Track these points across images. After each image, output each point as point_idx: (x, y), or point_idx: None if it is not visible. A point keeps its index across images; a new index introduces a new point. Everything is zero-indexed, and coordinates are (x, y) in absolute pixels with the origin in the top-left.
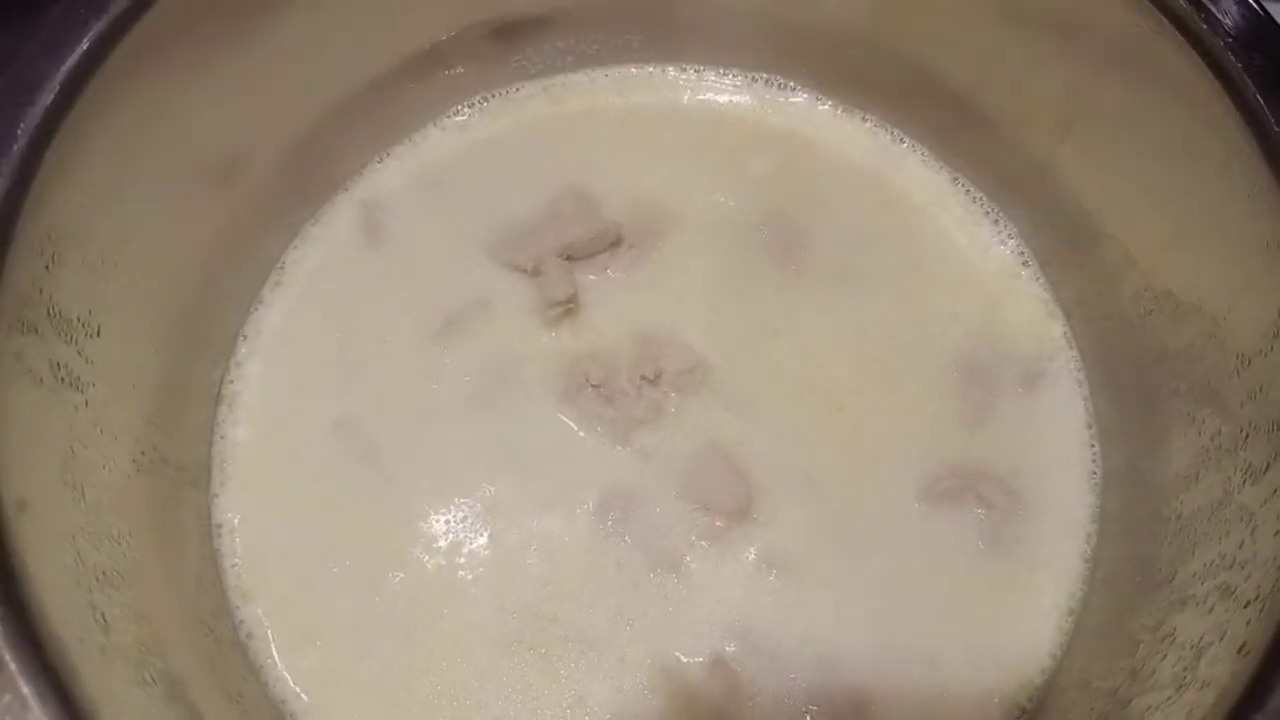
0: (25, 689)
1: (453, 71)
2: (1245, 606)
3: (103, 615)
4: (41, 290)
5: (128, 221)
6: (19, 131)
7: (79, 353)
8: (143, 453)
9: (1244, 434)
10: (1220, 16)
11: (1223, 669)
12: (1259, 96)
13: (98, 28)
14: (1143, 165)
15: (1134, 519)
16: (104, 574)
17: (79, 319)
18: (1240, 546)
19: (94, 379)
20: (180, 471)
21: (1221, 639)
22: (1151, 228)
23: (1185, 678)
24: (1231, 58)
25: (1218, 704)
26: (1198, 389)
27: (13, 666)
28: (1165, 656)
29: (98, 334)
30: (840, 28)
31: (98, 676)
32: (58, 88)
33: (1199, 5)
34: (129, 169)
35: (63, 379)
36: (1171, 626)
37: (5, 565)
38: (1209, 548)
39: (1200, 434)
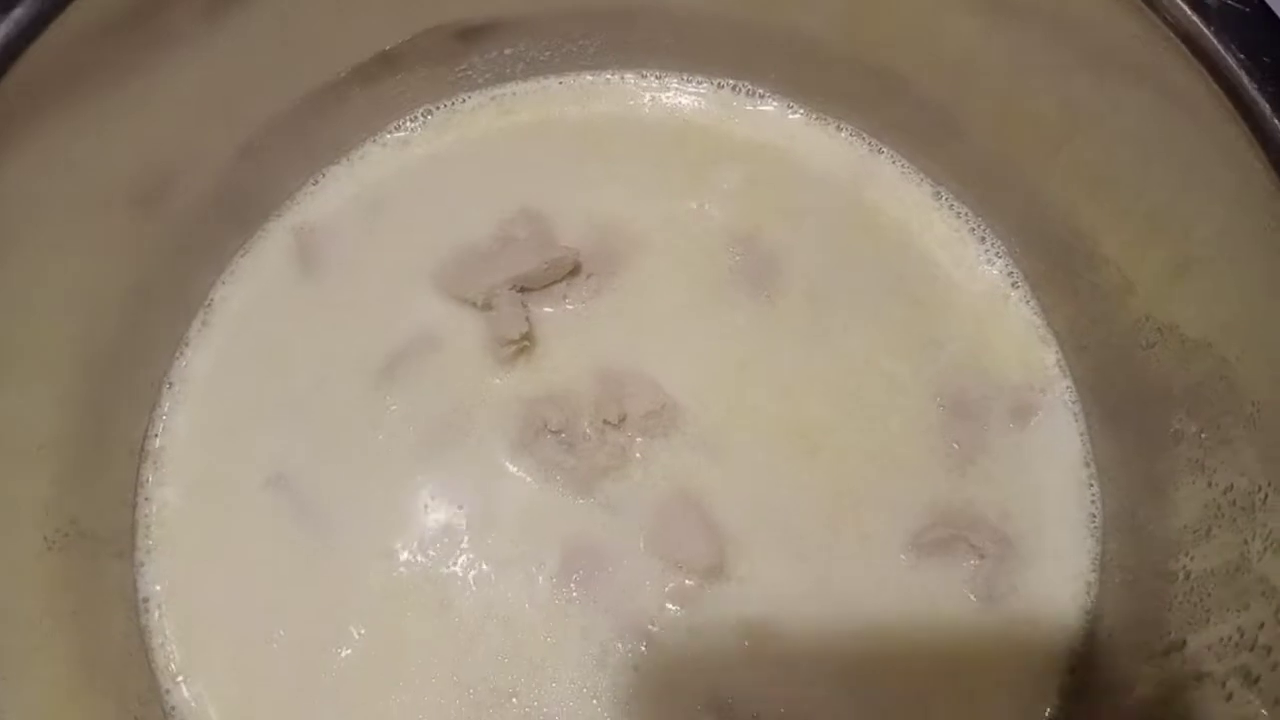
0: None
1: (393, 81)
2: (1276, 704)
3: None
4: None
5: (40, 255)
6: None
7: None
8: (56, 528)
9: (1262, 493)
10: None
11: None
12: (1277, 120)
13: None
14: (1145, 187)
15: (1137, 570)
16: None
17: None
18: (1261, 628)
19: None
20: (100, 542)
21: None
22: (1153, 255)
23: None
24: (1244, 77)
25: None
26: (1207, 433)
27: None
28: None
29: None
30: (810, 29)
31: None
32: None
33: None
34: (40, 196)
35: None
36: (1184, 704)
37: None
38: (1225, 619)
39: (1211, 485)
